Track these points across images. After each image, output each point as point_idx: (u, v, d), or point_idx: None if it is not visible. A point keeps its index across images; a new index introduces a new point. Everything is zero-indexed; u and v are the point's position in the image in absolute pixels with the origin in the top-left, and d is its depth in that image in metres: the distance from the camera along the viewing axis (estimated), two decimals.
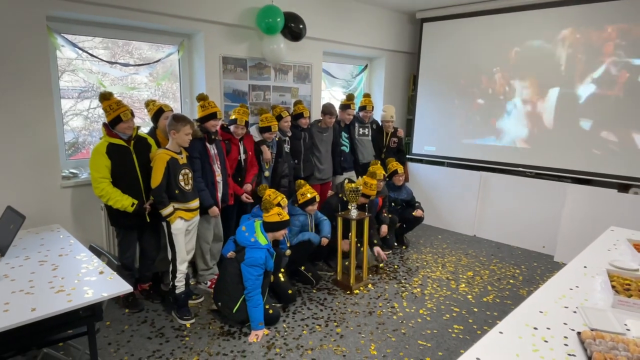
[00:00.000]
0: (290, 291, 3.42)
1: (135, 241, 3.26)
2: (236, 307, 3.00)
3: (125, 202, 2.97)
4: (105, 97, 2.93)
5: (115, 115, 2.91)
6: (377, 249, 4.07)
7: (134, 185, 3.04)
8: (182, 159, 3.06)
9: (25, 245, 2.58)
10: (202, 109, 3.35)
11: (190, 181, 3.10)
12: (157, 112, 3.41)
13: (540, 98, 4.76)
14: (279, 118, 4.07)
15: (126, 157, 3.00)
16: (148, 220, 3.14)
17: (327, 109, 4.48)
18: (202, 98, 3.40)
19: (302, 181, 3.81)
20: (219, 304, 3.10)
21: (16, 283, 2.06)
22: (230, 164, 3.65)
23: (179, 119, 2.99)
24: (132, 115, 2.99)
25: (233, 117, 3.65)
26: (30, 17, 2.97)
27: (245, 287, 2.96)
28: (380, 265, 4.28)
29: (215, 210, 3.35)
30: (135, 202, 3.01)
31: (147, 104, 3.51)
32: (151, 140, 3.22)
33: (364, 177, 3.93)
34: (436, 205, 5.66)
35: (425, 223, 5.67)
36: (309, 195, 3.70)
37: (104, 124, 2.99)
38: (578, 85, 4.48)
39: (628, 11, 4.10)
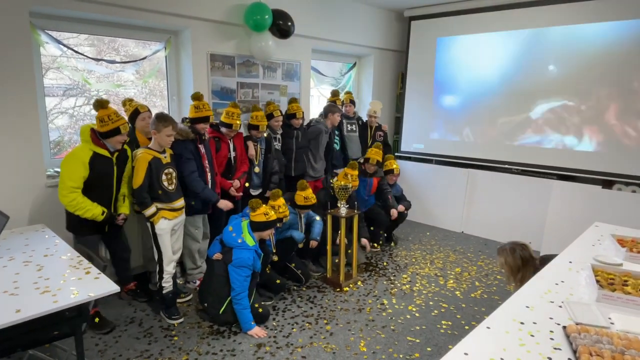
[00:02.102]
0: (278, 280, 3.43)
1: (99, 242, 3.09)
2: (222, 308, 2.98)
3: (95, 210, 2.81)
4: (102, 105, 2.75)
5: (114, 127, 2.74)
6: (364, 240, 4.23)
7: (104, 195, 2.91)
8: (165, 158, 3.01)
9: (10, 245, 2.53)
10: (196, 110, 3.27)
11: (174, 181, 3.05)
12: (133, 113, 3.33)
13: (526, 95, 4.81)
14: (270, 117, 4.05)
15: (107, 168, 2.86)
16: (106, 230, 3.02)
17: (332, 109, 4.55)
18: (196, 98, 3.30)
19: (305, 183, 3.76)
20: (205, 304, 3.08)
21: (0, 284, 2.02)
22: (220, 162, 3.62)
23: (161, 119, 2.90)
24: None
25: (227, 121, 3.54)
26: (13, 13, 2.90)
27: (233, 288, 2.93)
28: (368, 250, 4.38)
29: (224, 203, 3.36)
30: (105, 210, 2.87)
31: (124, 103, 3.41)
32: (129, 151, 3.07)
33: (345, 168, 4.02)
34: (424, 202, 5.70)
35: (414, 220, 5.71)
36: (313, 201, 3.71)
37: (92, 130, 2.79)
38: (566, 83, 4.53)
39: (610, 10, 4.17)
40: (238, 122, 3.60)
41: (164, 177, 2.96)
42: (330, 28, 5.05)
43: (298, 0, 4.60)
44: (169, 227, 3.04)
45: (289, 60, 4.76)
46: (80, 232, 2.93)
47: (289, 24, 4.30)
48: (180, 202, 3.11)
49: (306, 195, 3.69)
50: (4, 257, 2.36)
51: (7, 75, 2.93)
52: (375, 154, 4.53)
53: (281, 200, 3.34)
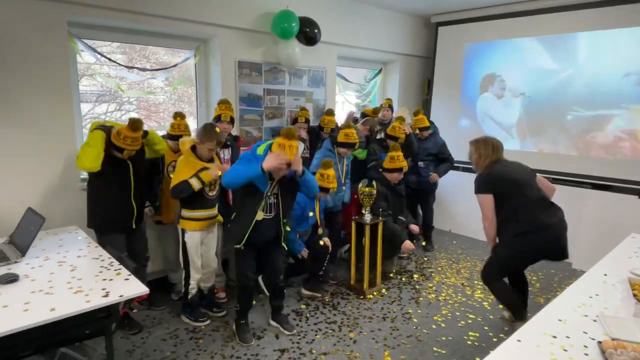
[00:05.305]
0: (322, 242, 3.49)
1: (123, 246, 2.95)
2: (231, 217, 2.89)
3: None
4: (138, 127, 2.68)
5: (120, 145, 2.68)
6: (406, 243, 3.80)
7: (122, 190, 2.86)
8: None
9: (45, 246, 2.63)
10: (216, 110, 3.38)
11: (217, 187, 3.03)
12: (177, 137, 3.20)
13: (557, 101, 4.69)
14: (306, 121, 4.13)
15: (122, 169, 2.84)
16: (134, 227, 2.98)
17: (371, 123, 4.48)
18: (222, 102, 3.43)
19: (352, 123, 3.73)
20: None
21: (36, 283, 2.10)
22: None
23: (207, 134, 2.88)
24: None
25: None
26: (52, 23, 3.03)
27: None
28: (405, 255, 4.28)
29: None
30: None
31: (175, 116, 3.28)
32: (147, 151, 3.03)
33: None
34: (451, 210, 5.61)
35: (440, 228, 5.62)
36: (353, 140, 3.64)
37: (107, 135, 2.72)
38: (598, 91, 4.40)
39: None
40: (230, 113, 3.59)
41: None
42: (356, 34, 5.05)
43: (325, 7, 4.64)
44: (198, 238, 3.01)
45: (315, 67, 4.79)
46: (104, 230, 2.88)
47: (316, 31, 4.33)
48: (214, 210, 3.07)
49: (347, 132, 3.64)
50: (40, 256, 2.44)
51: (47, 82, 3.06)
52: (398, 132, 4.18)
53: (332, 172, 3.28)
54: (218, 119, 3.38)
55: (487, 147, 2.98)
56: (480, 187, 2.94)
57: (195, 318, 3.16)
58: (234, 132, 3.87)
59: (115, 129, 2.71)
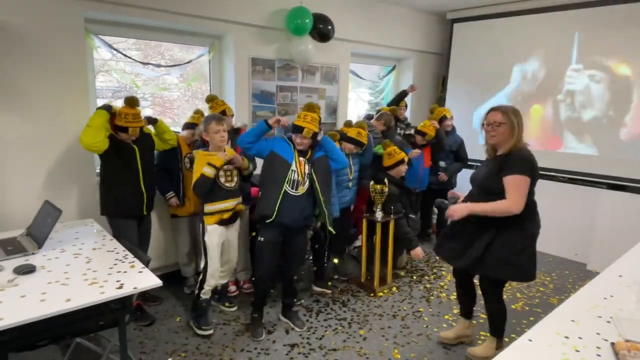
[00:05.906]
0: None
1: (135, 232, 3.03)
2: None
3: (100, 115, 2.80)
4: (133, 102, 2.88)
5: (123, 125, 2.84)
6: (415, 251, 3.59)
7: (130, 177, 2.95)
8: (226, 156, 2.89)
9: (61, 238, 2.68)
10: (211, 110, 3.29)
11: (235, 178, 2.94)
12: (192, 124, 3.36)
13: (574, 100, 4.61)
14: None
15: (128, 154, 2.93)
16: (145, 213, 3.07)
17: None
18: (210, 99, 3.35)
19: (364, 123, 3.74)
20: None
21: (52, 274, 2.14)
22: None
23: (205, 119, 2.92)
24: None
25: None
26: (70, 19, 3.08)
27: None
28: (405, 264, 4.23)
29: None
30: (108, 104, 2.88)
31: (197, 111, 3.44)
32: (153, 136, 3.14)
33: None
34: None
35: None
36: (363, 139, 3.56)
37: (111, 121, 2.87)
38: (616, 88, 4.31)
39: None
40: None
41: (221, 172, 2.86)
42: (370, 31, 5.03)
43: (338, 4, 4.63)
44: (217, 240, 2.88)
45: (328, 64, 4.79)
46: (116, 214, 2.97)
47: (329, 27, 4.33)
48: (235, 201, 2.96)
49: (360, 131, 3.57)
50: (56, 248, 2.49)
51: (64, 78, 3.12)
52: (428, 128, 4.26)
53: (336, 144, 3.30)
54: (223, 114, 3.25)
55: (522, 121, 2.46)
56: (525, 168, 2.41)
57: (199, 325, 2.97)
58: (241, 121, 3.92)
59: (117, 112, 2.88)
